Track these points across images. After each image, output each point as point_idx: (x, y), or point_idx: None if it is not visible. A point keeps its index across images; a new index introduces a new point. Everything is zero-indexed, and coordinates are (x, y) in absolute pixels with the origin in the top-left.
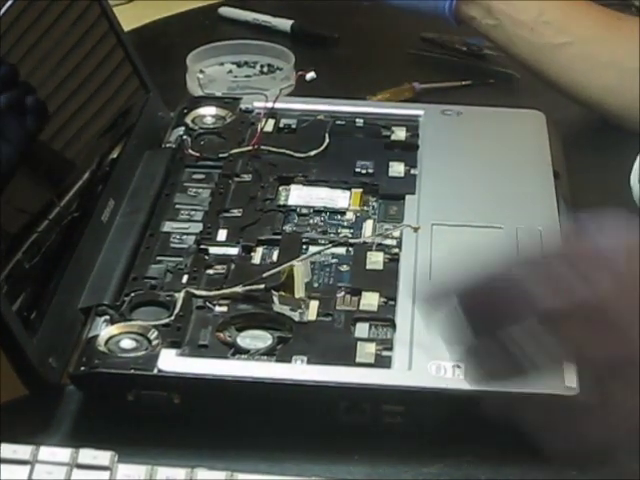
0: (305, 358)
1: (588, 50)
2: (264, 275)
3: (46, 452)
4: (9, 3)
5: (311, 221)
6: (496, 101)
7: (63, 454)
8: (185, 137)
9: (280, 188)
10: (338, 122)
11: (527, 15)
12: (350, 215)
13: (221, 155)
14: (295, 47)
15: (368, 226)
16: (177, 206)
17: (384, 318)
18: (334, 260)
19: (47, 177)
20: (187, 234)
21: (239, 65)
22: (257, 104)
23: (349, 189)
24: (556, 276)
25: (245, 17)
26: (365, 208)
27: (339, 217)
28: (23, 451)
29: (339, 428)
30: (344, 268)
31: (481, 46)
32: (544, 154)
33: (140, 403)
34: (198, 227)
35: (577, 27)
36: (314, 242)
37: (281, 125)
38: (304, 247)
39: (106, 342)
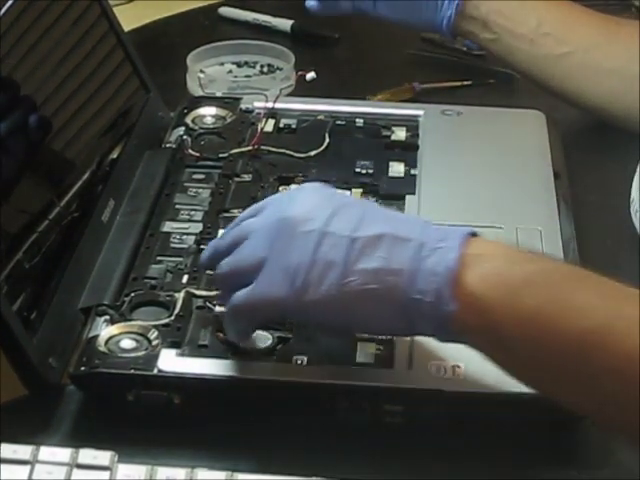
0: (305, 358)
1: (589, 58)
2: None
3: (46, 452)
4: (9, 3)
5: None
6: (496, 101)
7: (63, 454)
8: (185, 137)
9: (280, 188)
10: (338, 122)
11: (526, 28)
12: None
13: (221, 155)
14: (295, 47)
15: None
16: (177, 206)
17: None
18: None
19: (47, 177)
20: (187, 234)
21: (239, 65)
22: (257, 104)
23: (349, 189)
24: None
25: (245, 17)
26: None
27: None
28: (23, 451)
29: (339, 428)
30: None
31: None
32: (544, 154)
33: (140, 403)
34: (198, 227)
35: (577, 36)
36: None
37: (281, 125)
38: None
39: (106, 342)
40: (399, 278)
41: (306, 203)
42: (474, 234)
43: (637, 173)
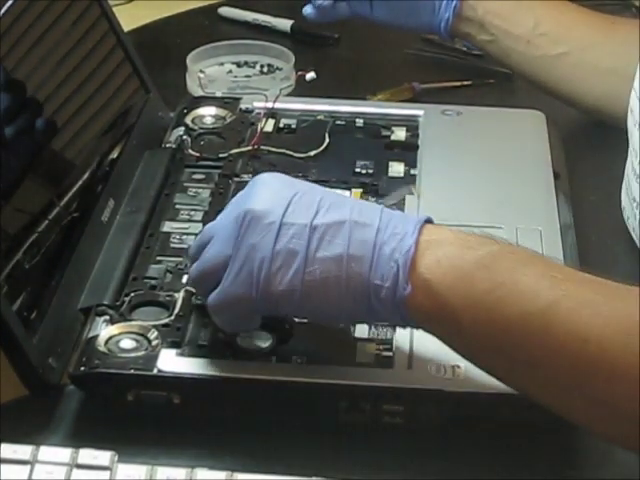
0: (305, 358)
1: (586, 58)
2: None
3: (46, 452)
4: (9, 3)
5: None
6: (496, 101)
7: (63, 454)
8: (185, 137)
9: None
10: (338, 122)
11: (522, 29)
12: None
13: (221, 155)
14: (295, 47)
15: None
16: (177, 206)
17: None
18: None
19: (47, 177)
20: (187, 234)
21: (239, 65)
22: (257, 104)
23: (349, 189)
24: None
25: (245, 17)
26: None
27: None
28: (23, 451)
29: (339, 428)
30: None
31: None
32: (544, 154)
33: (140, 403)
34: (198, 227)
35: (573, 36)
36: None
37: (281, 125)
38: None
39: (106, 342)
40: (360, 264)
41: (264, 195)
42: (429, 220)
43: (624, 182)
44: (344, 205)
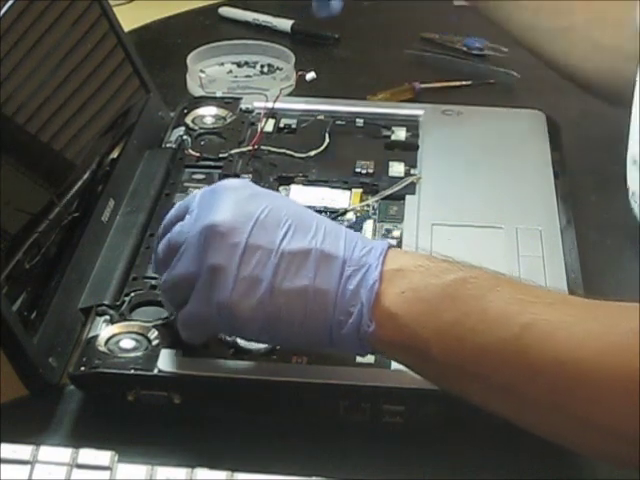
0: (305, 358)
1: (589, 33)
2: None
3: (46, 452)
4: (9, 3)
5: None
6: (496, 101)
7: (63, 454)
8: (185, 137)
9: (280, 188)
10: (338, 122)
11: None
12: (350, 215)
13: (221, 155)
14: (295, 47)
15: (368, 226)
16: None
17: None
18: None
19: (47, 177)
20: None
21: (239, 65)
22: (257, 104)
23: (349, 189)
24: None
25: (245, 17)
26: (365, 208)
27: (339, 217)
28: (23, 451)
29: (339, 428)
30: None
31: (481, 46)
32: (544, 154)
33: (140, 403)
34: None
35: (578, 10)
36: None
37: (281, 125)
38: None
39: (106, 342)
40: (325, 299)
41: (229, 209)
42: (392, 245)
43: (628, 164)
44: (309, 226)
